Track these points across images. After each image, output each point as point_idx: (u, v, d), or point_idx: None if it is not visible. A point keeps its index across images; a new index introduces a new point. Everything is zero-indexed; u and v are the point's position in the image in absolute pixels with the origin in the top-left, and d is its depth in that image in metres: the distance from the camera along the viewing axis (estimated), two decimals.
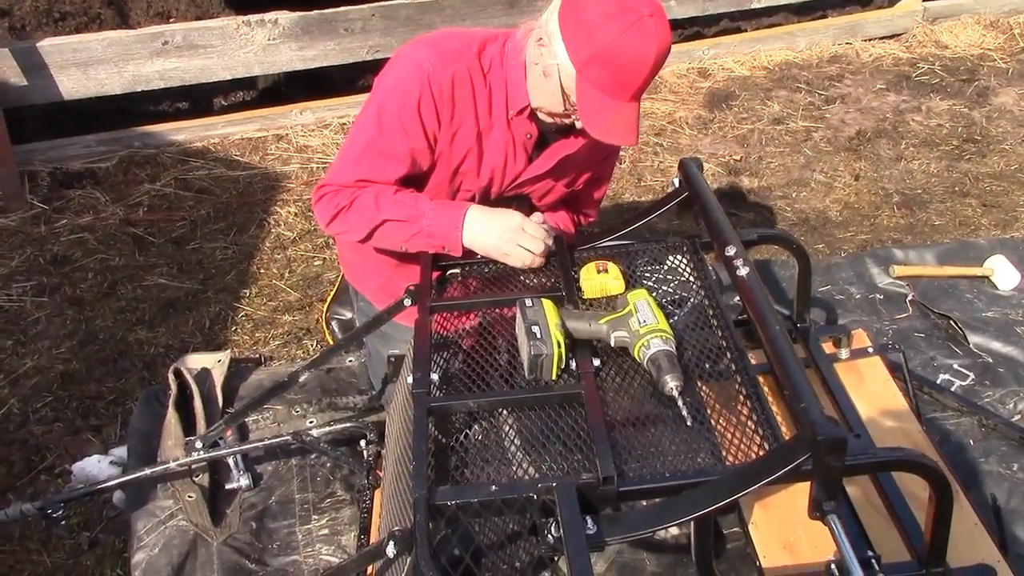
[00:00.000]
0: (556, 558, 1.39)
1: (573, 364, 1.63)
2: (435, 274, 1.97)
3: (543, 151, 2.11)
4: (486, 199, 2.14)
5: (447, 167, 2.07)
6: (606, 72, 1.78)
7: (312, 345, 3.08)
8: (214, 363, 2.67)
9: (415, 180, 2.07)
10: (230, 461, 2.35)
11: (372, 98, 2.03)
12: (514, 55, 1.98)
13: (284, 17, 4.10)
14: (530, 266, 1.94)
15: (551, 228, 2.01)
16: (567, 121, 2.00)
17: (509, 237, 1.92)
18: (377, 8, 4.23)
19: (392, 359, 2.10)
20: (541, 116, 2.01)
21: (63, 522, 2.29)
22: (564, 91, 1.87)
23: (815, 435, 1.26)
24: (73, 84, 3.87)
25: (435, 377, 1.62)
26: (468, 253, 1.99)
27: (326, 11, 4.16)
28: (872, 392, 2.19)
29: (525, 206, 2.20)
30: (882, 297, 3.15)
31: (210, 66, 4.08)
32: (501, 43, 2.01)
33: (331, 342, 2.95)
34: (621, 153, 4.21)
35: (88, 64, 3.85)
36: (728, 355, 1.65)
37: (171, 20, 4.58)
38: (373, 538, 2.08)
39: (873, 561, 1.63)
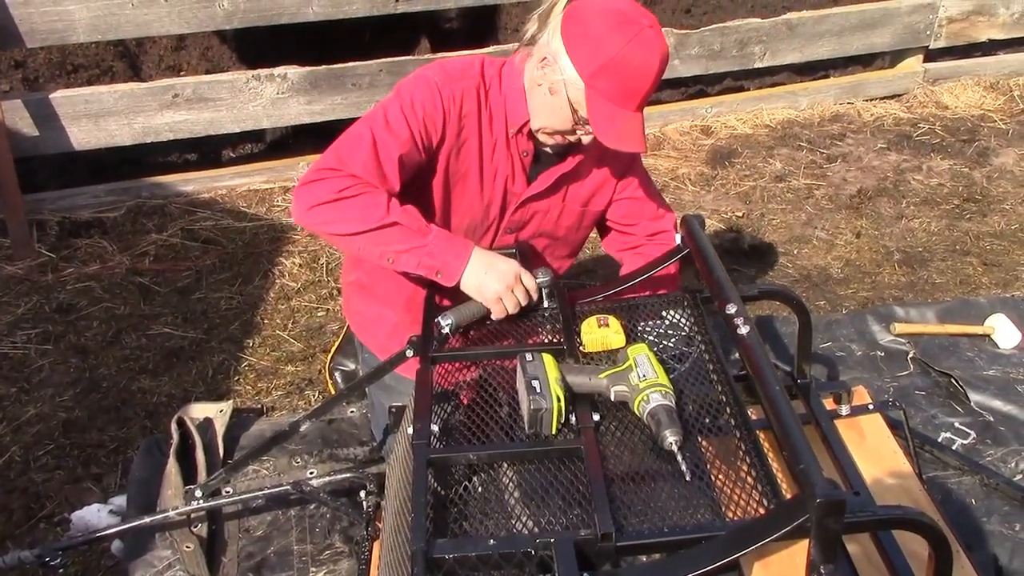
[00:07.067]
0: None
1: (573, 418, 1.63)
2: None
3: (540, 173, 2.18)
4: (484, 221, 2.19)
5: (448, 179, 2.12)
6: (615, 82, 1.88)
7: (314, 396, 3.08)
8: (216, 413, 2.67)
9: (411, 191, 2.06)
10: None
11: (378, 105, 2.10)
12: (512, 78, 2.07)
13: (293, 72, 4.16)
14: (507, 314, 1.96)
15: (547, 281, 1.99)
16: (570, 139, 2.07)
17: (508, 283, 1.93)
18: (384, 64, 4.30)
19: (393, 410, 2.11)
20: (541, 138, 2.10)
21: (61, 570, 2.28)
22: (572, 105, 1.95)
23: (814, 497, 1.26)
24: (84, 135, 3.93)
25: (435, 428, 1.63)
26: (451, 293, 2.00)
27: (334, 66, 4.23)
28: (872, 449, 2.18)
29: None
30: (883, 354, 3.15)
31: (219, 119, 4.13)
32: (498, 67, 2.10)
33: (333, 393, 2.96)
34: None
35: (99, 115, 3.91)
36: (728, 410, 1.66)
37: (182, 73, 4.65)
38: None
39: None
